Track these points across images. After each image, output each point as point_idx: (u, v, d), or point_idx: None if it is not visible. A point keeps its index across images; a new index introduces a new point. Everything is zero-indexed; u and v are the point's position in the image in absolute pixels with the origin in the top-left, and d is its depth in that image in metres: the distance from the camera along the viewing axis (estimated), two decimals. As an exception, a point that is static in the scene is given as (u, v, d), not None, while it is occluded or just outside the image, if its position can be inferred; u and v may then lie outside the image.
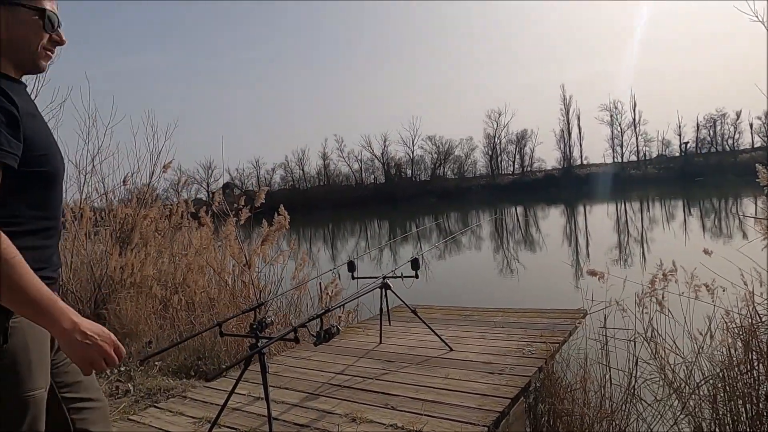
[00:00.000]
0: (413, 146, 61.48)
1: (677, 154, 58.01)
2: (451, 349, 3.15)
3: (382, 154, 61.58)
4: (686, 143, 57.83)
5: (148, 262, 5.10)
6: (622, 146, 59.52)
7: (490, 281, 9.44)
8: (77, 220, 5.69)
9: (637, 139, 59.11)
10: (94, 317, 5.04)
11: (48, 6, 1.16)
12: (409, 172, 62.36)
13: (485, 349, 3.13)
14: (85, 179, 5.71)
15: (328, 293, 4.96)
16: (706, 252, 2.74)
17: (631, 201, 31.00)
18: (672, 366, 2.64)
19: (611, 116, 59.28)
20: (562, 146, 59.74)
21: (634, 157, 59.40)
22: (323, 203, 50.65)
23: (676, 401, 2.59)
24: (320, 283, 4.99)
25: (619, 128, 59.30)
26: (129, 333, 4.39)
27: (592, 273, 3.07)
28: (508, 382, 2.52)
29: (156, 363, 3.66)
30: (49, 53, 1.20)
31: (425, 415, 2.22)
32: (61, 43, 1.21)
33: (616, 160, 59.81)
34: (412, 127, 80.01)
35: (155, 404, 2.75)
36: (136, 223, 5.64)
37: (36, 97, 4.87)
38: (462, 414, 2.19)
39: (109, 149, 5.79)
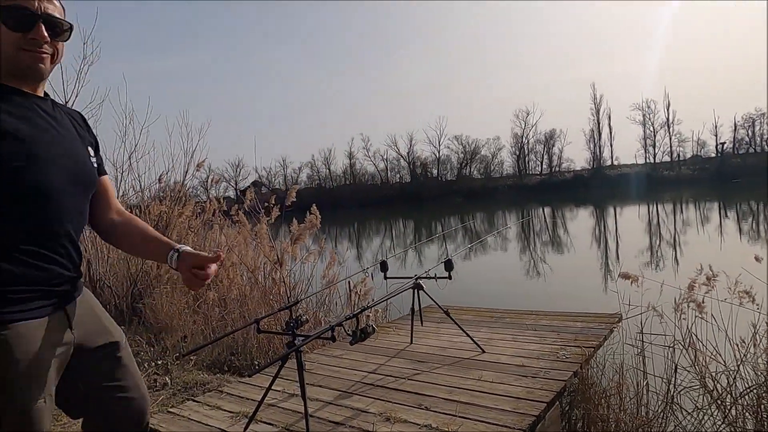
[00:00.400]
0: (439, 146, 61.32)
1: (713, 155, 56.31)
2: (484, 351, 3.14)
3: (407, 153, 61.62)
4: (723, 143, 56.11)
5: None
6: (654, 146, 58.14)
7: (517, 283, 9.34)
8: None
9: (670, 139, 57.66)
10: (130, 311, 5.20)
11: (12, 2, 1.08)
12: (434, 171, 62.18)
13: (518, 352, 3.10)
14: (121, 177, 5.91)
15: (357, 292, 4.99)
16: (757, 259, 2.65)
17: (663, 203, 30.20)
18: (713, 374, 2.57)
19: (643, 116, 57.97)
20: (591, 146, 58.70)
21: (667, 158, 57.98)
22: (349, 202, 50.90)
23: (717, 411, 2.52)
24: (349, 282, 5.03)
25: (651, 128, 57.93)
26: (164, 327, 4.50)
27: (626, 276, 3.00)
28: (543, 386, 2.49)
29: (191, 358, 3.74)
30: (36, 53, 1.11)
31: (460, 416, 2.22)
32: (40, 39, 1.10)
33: (648, 160, 58.43)
34: (438, 127, 79.85)
35: (193, 398, 2.81)
36: (170, 221, 5.78)
37: (77, 96, 5.05)
38: (497, 417, 2.18)
39: (144, 147, 5.98)
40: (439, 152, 61.38)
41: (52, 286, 1.15)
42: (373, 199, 53.71)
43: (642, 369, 2.80)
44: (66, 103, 5.01)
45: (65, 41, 1.19)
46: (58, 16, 1.15)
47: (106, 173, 1.37)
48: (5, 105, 1.07)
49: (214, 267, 1.25)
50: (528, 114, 60.53)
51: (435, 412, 2.30)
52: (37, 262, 1.11)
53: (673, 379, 2.68)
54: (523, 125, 60.84)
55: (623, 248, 13.30)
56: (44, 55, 1.13)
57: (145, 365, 3.60)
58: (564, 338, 3.33)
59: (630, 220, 22.89)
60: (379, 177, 62.73)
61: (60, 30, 1.16)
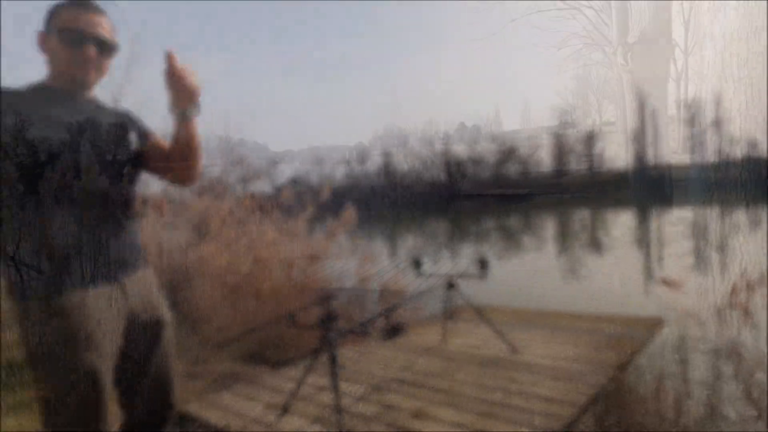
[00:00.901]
0: (476, 144, 60.67)
1: (766, 155, 53.71)
2: (516, 352, 3.10)
3: (443, 151, 61.27)
4: (776, 143, 53.41)
5: (224, 253, 5.36)
6: (702, 146, 55.94)
7: (552, 284, 9.14)
8: (156, 211, 6.08)
9: (720, 138, 55.32)
10: (169, 303, 5.38)
11: (67, 24, 1.24)
12: (470, 170, 61.66)
13: (552, 354, 3.05)
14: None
15: (390, 290, 5.01)
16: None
17: (710, 205, 28.96)
18: (760, 384, 2.45)
19: (692, 114, 55.83)
20: (635, 146, 56.91)
21: (715, 158, 55.67)
22: (383, 200, 50.98)
23: (763, 423, 2.41)
24: (382, 279, 5.05)
25: (699, 127, 55.76)
26: (200, 318, 4.64)
27: (667, 281, 2.91)
28: (577, 389, 2.44)
29: (226, 349, 3.84)
30: (83, 69, 1.27)
31: (490, 416, 2.20)
32: (87, 57, 1.26)
33: (695, 160, 56.30)
34: (475, 125, 79.08)
35: (227, 388, 2.89)
36: (210, 215, 5.94)
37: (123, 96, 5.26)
38: (528, 418, 2.15)
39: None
40: (475, 150, 60.82)
41: (109, 258, 1.27)
42: (407, 197, 53.72)
43: (682, 376, 2.71)
44: (116, 101, 5.21)
45: (111, 58, 1.35)
46: (106, 36, 1.31)
47: (154, 134, 1.48)
48: (56, 106, 1.25)
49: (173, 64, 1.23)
50: (568, 112, 59.19)
51: (465, 410, 2.29)
52: (91, 234, 1.23)
53: (715, 387, 2.57)
54: (563, 123, 59.56)
55: (666, 252, 12.85)
56: (91, 71, 1.30)
57: (182, 355, 3.71)
58: (600, 341, 3.25)
59: (674, 223, 22.04)
60: (414, 175, 62.74)
61: (107, 48, 1.32)
